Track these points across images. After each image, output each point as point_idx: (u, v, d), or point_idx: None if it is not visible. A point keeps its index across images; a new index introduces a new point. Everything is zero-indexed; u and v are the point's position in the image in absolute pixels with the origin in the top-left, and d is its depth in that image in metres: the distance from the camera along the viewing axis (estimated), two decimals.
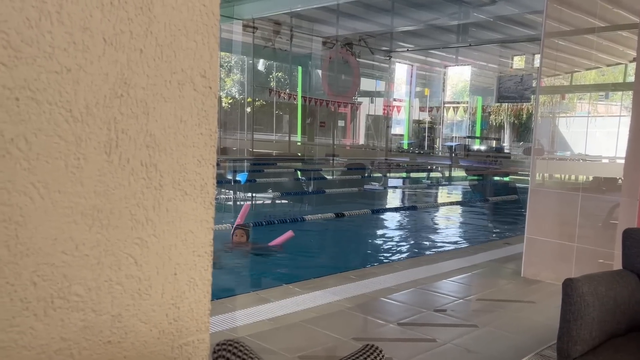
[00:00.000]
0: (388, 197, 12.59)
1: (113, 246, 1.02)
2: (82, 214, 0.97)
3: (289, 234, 6.14)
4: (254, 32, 17.57)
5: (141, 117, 1.04)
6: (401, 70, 26.01)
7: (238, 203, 10.22)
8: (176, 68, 1.08)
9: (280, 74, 24.44)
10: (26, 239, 0.91)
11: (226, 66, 22.23)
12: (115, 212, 1.02)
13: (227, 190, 11.04)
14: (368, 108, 27.12)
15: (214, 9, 1.13)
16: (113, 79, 0.99)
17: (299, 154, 20.43)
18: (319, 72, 21.44)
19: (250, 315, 3.43)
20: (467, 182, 16.15)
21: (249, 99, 20.91)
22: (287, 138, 22.34)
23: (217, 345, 1.15)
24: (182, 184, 1.12)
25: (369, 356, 1.30)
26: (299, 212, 9.21)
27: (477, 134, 25.60)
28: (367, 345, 1.33)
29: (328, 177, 15.54)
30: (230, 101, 22.51)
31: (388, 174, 17.16)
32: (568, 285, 2.10)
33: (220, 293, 3.87)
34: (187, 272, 1.15)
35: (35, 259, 0.92)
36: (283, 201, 10.50)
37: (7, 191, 0.88)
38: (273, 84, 23.64)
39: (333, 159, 18.61)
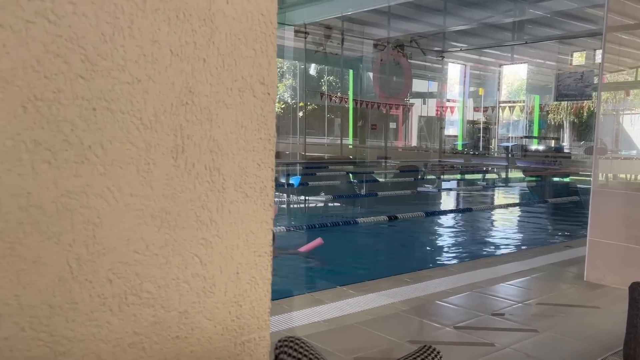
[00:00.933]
0: (442, 199, 12.39)
1: (180, 246, 1.08)
2: (151, 216, 1.03)
3: (317, 241, 6.15)
4: (305, 37, 17.76)
5: (205, 124, 1.09)
6: (454, 70, 25.57)
7: (291, 206, 10.35)
8: (237, 76, 1.13)
9: (331, 78, 24.55)
10: (102, 239, 0.98)
11: (279, 71, 22.57)
12: (181, 214, 1.07)
13: (280, 194, 11.19)
14: (420, 109, 26.80)
15: (272, 17, 1.17)
16: (179, 87, 1.05)
17: (351, 157, 20.44)
18: (370, 74, 21.40)
19: (305, 316, 3.47)
20: (525, 184, 15.66)
21: (301, 104, 21.13)
22: (338, 141, 22.40)
23: (279, 342, 1.19)
24: (243, 187, 1.17)
25: (426, 357, 1.30)
26: (352, 214, 9.22)
27: (535, 133, 24.78)
28: (424, 346, 1.34)
29: (380, 180, 15.46)
30: (282, 106, 22.83)
31: (442, 176, 16.89)
32: (635, 289, 2.01)
33: (276, 294, 3.94)
34: (249, 272, 1.19)
35: (110, 258, 0.99)
36: (335, 204, 10.54)
37: (86, 195, 0.95)
38: (324, 88, 23.79)
39: (385, 162, 18.50)
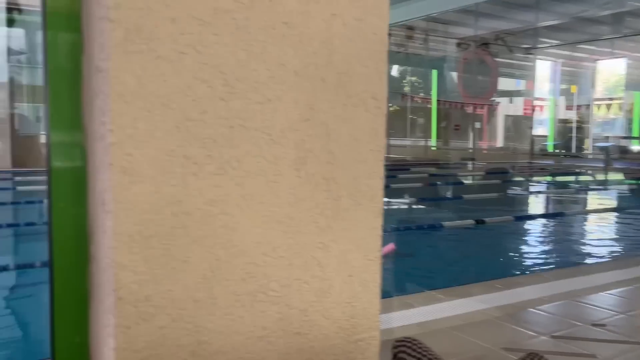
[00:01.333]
0: (532, 203, 11.89)
1: (301, 249, 1.18)
2: (278, 222, 1.14)
3: (390, 246, 6.12)
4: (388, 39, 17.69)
5: (323, 137, 1.18)
6: (544, 67, 24.39)
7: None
8: (351, 92, 1.21)
9: (413, 79, 24.28)
10: (238, 242, 1.10)
11: None
12: (303, 220, 1.17)
13: None
14: (507, 108, 25.82)
15: (384, 36, 1.25)
16: (302, 105, 1.15)
17: (434, 159, 20.11)
18: (454, 74, 20.95)
19: (396, 319, 3.51)
20: (624, 187, 14.65)
21: None
22: (421, 143, 22.09)
23: (397, 341, 1.26)
24: (356, 196, 1.25)
25: None
26: (436, 218, 9.10)
27: (635, 133, 23.05)
28: (532, 353, 1.35)
29: (465, 182, 15.09)
30: None
31: (531, 178, 16.18)
32: None
33: None
34: (361, 275, 1.27)
35: (244, 259, 1.11)
36: (419, 206, 10.45)
37: (225, 203, 1.07)
38: (407, 89, 23.57)
39: (473, 163, 18.01)
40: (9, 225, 8.14)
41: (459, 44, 19.80)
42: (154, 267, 1.01)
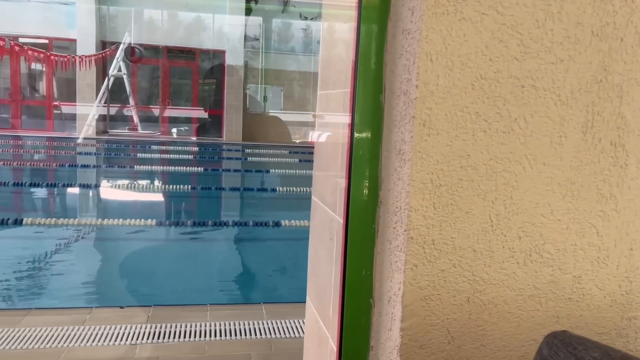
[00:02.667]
0: None
1: (580, 215, 1.15)
2: (558, 184, 1.13)
3: None
4: None
5: (615, 101, 1.13)
6: None
7: None
8: None
9: None
10: (517, 200, 1.12)
11: None
12: (584, 185, 1.14)
13: None
14: None
15: None
16: (595, 66, 1.11)
17: None
18: None
19: None
20: None
21: None
22: None
23: None
24: None
25: None
26: None
27: None
28: None
29: None
30: None
31: None
32: None
33: None
34: None
35: (521, 218, 1.13)
36: None
37: (508, 160, 1.10)
38: None
39: None
40: (245, 190, 9.38)
41: None
42: (440, 214, 1.09)
